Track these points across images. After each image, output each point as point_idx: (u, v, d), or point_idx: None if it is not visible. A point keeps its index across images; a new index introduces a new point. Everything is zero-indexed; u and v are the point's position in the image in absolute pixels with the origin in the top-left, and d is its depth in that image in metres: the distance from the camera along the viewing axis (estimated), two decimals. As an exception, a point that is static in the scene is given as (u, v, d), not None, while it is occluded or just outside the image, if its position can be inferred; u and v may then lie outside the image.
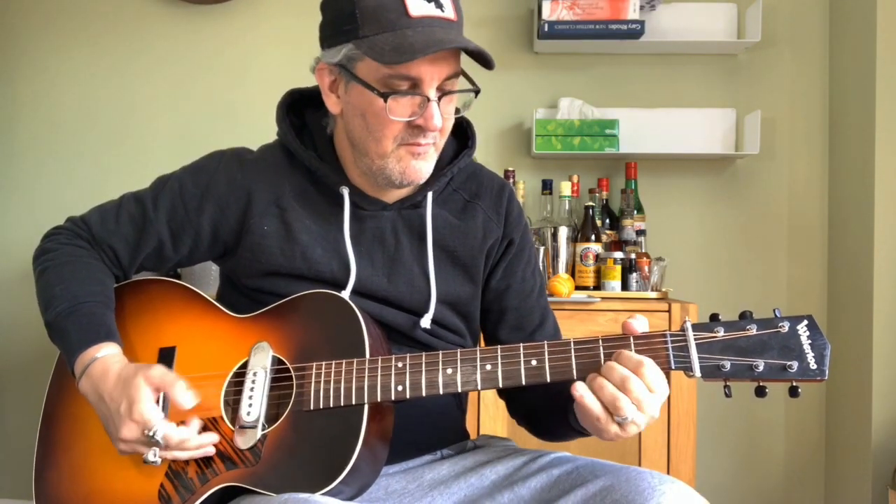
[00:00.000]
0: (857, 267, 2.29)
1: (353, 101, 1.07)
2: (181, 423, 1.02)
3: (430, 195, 1.16)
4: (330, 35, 1.06)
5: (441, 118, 1.04)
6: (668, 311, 2.03)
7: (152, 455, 1.00)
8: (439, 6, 1.02)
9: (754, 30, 2.36)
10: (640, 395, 0.92)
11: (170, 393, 1.01)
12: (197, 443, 1.01)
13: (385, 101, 1.02)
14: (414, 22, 1.00)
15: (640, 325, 0.97)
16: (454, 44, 0.99)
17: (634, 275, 2.19)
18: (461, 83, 1.08)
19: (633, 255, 2.20)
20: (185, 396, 1.01)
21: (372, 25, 1.00)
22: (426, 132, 1.05)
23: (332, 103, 1.10)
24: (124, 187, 1.26)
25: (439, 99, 1.04)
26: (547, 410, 1.13)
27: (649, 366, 0.92)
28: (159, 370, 1.02)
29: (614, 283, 2.17)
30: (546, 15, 2.31)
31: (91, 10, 2.56)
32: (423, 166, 1.08)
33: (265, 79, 2.54)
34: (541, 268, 2.13)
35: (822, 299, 2.47)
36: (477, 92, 1.08)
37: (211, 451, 1.02)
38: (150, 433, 0.98)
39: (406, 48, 0.98)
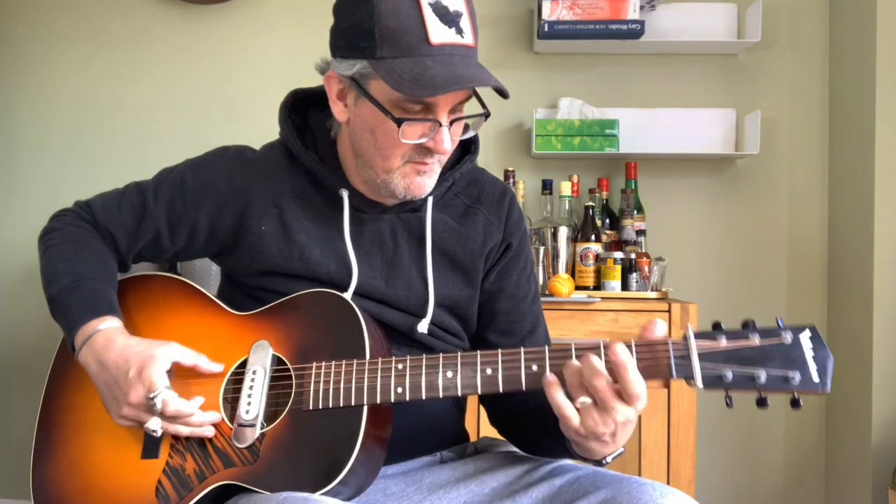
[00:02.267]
0: (856, 267, 2.28)
1: (363, 116, 1.06)
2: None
3: (430, 200, 1.15)
4: (344, 46, 1.04)
5: (451, 143, 1.05)
6: (668, 311, 2.03)
7: (154, 423, 1.01)
8: (460, 32, 1.00)
9: (754, 30, 2.36)
10: (596, 384, 0.90)
11: (198, 365, 1.06)
12: (200, 419, 1.03)
13: (399, 126, 1.01)
14: (434, 50, 0.98)
15: (660, 329, 0.95)
16: (474, 82, 0.99)
17: (634, 275, 2.18)
18: (472, 101, 1.07)
19: (633, 255, 2.20)
20: (211, 365, 1.07)
21: (391, 48, 0.98)
22: (434, 153, 1.05)
23: (339, 111, 1.10)
24: (123, 186, 1.26)
25: (451, 124, 1.04)
26: (538, 425, 1.10)
27: (630, 368, 0.91)
28: (179, 346, 1.06)
29: (614, 283, 2.17)
30: (546, 15, 2.31)
31: (90, 10, 2.56)
32: (428, 182, 1.09)
33: (265, 79, 2.53)
34: (539, 270, 2.14)
35: (822, 299, 2.47)
36: (487, 115, 1.08)
37: (210, 431, 1.03)
38: (152, 395, 1.00)
39: (426, 82, 0.96)
